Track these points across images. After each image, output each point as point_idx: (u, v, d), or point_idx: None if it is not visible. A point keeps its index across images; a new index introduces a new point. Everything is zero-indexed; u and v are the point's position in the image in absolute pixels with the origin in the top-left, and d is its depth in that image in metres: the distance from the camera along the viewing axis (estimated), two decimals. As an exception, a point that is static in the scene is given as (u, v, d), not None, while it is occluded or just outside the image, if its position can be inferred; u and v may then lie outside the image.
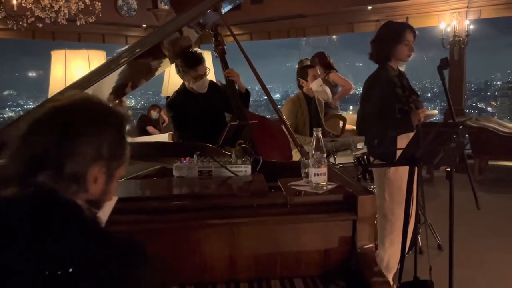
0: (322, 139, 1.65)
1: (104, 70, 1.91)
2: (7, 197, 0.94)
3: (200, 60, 2.91)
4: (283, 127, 2.50)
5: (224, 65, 2.96)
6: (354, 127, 5.35)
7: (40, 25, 5.24)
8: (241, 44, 2.53)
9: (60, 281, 0.86)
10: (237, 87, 2.94)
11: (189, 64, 2.87)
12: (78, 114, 0.98)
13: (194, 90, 2.99)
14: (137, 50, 1.93)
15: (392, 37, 2.61)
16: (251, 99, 3.13)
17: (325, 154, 1.64)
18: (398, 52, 2.59)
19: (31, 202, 0.93)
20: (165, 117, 6.65)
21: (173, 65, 3.04)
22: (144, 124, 6.67)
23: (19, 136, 0.96)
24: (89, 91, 2.09)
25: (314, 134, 1.66)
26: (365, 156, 3.44)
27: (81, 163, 0.95)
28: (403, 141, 2.41)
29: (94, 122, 0.98)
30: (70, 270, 0.86)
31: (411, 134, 2.51)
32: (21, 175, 0.95)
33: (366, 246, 1.50)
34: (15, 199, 0.94)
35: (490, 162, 6.19)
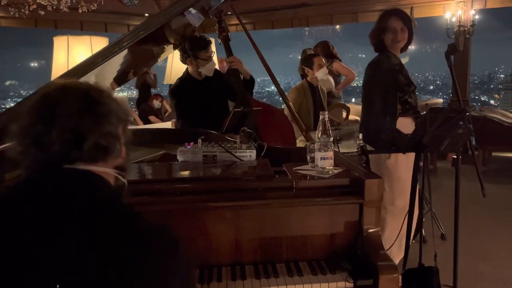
0: (328, 123, 1.63)
1: (108, 53, 1.89)
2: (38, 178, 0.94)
3: (208, 41, 2.93)
4: (289, 111, 2.48)
5: (228, 51, 2.94)
6: (358, 117, 5.33)
7: (42, 12, 5.20)
8: (249, 33, 2.50)
9: (87, 263, 0.84)
10: (241, 75, 2.92)
11: (199, 45, 2.88)
12: (88, 87, 1.00)
13: (198, 76, 2.97)
14: (141, 33, 1.90)
15: (378, 25, 2.59)
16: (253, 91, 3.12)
17: (331, 138, 1.62)
18: (385, 41, 2.57)
19: (67, 184, 0.93)
20: (167, 107, 6.62)
21: (176, 53, 3.02)
22: (146, 113, 6.64)
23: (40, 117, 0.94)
24: (92, 76, 2.08)
25: (321, 117, 1.64)
26: (367, 146, 3.42)
27: (113, 124, 0.98)
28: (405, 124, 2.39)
29: (105, 91, 1.01)
30: (96, 251, 0.84)
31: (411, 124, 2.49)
32: (59, 150, 0.93)
33: (372, 230, 1.49)
34: (51, 178, 0.93)
35: (494, 154, 6.17)
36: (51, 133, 0.92)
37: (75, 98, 0.96)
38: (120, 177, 1.04)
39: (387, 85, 2.50)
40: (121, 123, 1.01)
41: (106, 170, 0.99)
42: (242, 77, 2.94)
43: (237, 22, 7.17)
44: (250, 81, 2.97)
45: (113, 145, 0.98)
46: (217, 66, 4.06)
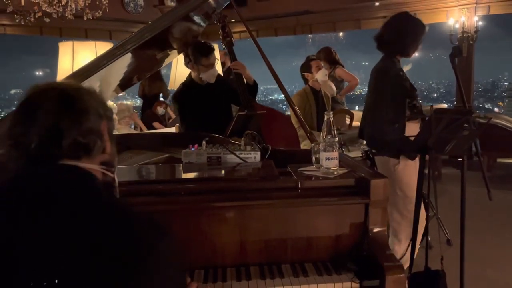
0: (333, 123, 1.63)
1: (113, 55, 1.89)
2: (27, 173, 0.94)
3: (211, 48, 2.92)
4: (295, 116, 2.47)
5: (232, 56, 2.95)
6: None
7: (48, 20, 5.25)
8: (251, 40, 2.51)
9: (80, 259, 0.84)
10: (245, 80, 2.92)
11: (202, 52, 2.88)
12: (65, 86, 1.02)
13: (201, 82, 2.98)
14: (146, 35, 1.91)
15: (416, 33, 2.56)
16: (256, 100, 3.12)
17: (336, 139, 1.62)
18: (412, 50, 2.56)
19: (52, 178, 0.93)
20: (171, 113, 6.64)
21: (180, 58, 3.03)
22: (151, 120, 6.65)
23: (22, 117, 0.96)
24: (97, 79, 2.09)
25: (326, 117, 1.64)
26: (373, 150, 3.41)
27: (92, 121, 0.98)
28: (413, 129, 2.38)
29: (82, 88, 1.03)
30: (90, 247, 0.85)
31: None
32: (38, 150, 0.94)
33: (378, 230, 1.48)
34: (36, 174, 0.94)
35: (499, 160, 6.13)
36: (29, 133, 0.93)
37: (53, 97, 0.97)
38: (107, 172, 1.04)
39: (396, 92, 2.48)
40: (103, 119, 1.02)
41: (91, 166, 0.99)
42: (245, 82, 2.94)
43: (241, 29, 7.26)
44: (253, 86, 2.97)
45: (94, 142, 0.98)
46: (220, 70, 4.09)
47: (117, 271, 0.84)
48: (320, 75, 4.09)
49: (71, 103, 0.97)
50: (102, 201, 0.96)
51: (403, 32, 2.54)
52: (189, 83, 3.03)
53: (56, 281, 0.82)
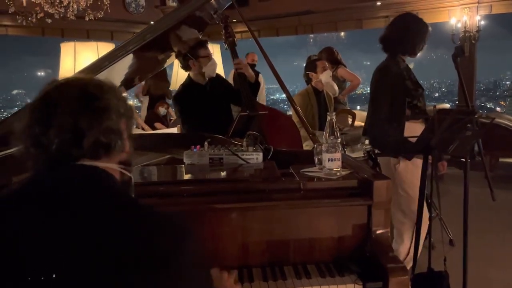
0: (335, 124, 1.62)
1: (115, 56, 1.89)
2: (46, 175, 0.93)
3: (205, 40, 3.00)
4: (297, 116, 2.47)
5: (235, 56, 2.94)
6: (363, 123, 5.30)
7: (49, 20, 5.25)
8: (253, 40, 2.52)
9: (100, 258, 0.83)
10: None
11: (198, 43, 2.90)
12: (86, 83, 0.98)
13: (201, 81, 2.98)
14: (148, 36, 1.90)
15: (419, 32, 2.58)
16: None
17: (339, 140, 1.61)
18: (419, 49, 2.58)
19: (72, 179, 0.92)
20: (173, 114, 6.64)
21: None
22: (152, 120, 6.65)
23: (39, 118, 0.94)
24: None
25: (328, 118, 1.63)
26: (375, 150, 3.40)
27: (113, 120, 0.96)
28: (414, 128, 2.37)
29: (104, 85, 1.00)
30: (111, 247, 0.84)
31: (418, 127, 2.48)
32: (58, 151, 0.92)
33: (381, 232, 1.47)
34: (55, 175, 0.93)
35: (501, 159, 6.10)
36: (49, 133, 0.91)
37: (73, 96, 0.94)
38: (125, 171, 1.03)
39: (395, 91, 2.48)
40: (123, 118, 1.00)
41: (110, 166, 0.98)
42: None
43: (242, 29, 7.25)
44: (255, 85, 2.97)
45: (115, 141, 0.96)
46: (221, 72, 4.09)
47: (139, 270, 0.83)
48: (325, 76, 4.08)
49: (91, 101, 0.94)
50: (122, 201, 0.94)
51: (409, 31, 2.56)
52: (188, 84, 3.03)
53: (73, 279, 0.81)
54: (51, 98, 0.95)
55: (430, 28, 2.63)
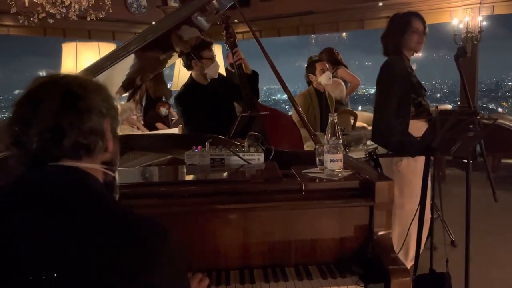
0: (337, 125, 1.62)
1: (116, 56, 1.88)
2: (27, 177, 0.93)
3: (210, 41, 2.98)
4: (298, 116, 2.46)
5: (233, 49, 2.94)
6: (365, 124, 5.30)
7: (51, 20, 5.26)
8: (254, 40, 2.52)
9: (80, 259, 0.83)
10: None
11: (202, 44, 2.91)
12: (69, 81, 0.97)
13: (203, 81, 2.97)
14: (149, 36, 1.90)
15: (399, 26, 2.57)
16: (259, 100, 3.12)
17: (341, 140, 1.60)
18: (408, 41, 2.55)
19: (52, 180, 0.92)
20: (174, 114, 6.64)
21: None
22: (153, 120, 6.65)
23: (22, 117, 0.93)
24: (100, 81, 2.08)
25: (330, 119, 1.63)
26: (377, 151, 3.39)
27: (96, 120, 0.95)
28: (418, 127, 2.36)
29: (89, 84, 0.99)
30: (90, 248, 0.84)
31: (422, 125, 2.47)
32: (38, 150, 0.92)
33: (383, 233, 1.47)
34: (36, 175, 0.93)
35: (503, 160, 6.09)
36: (29, 132, 0.91)
37: (56, 94, 0.93)
38: (108, 172, 1.02)
39: (401, 87, 2.47)
40: (106, 118, 0.99)
41: (92, 166, 0.97)
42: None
43: (244, 30, 7.25)
44: (254, 76, 2.96)
45: (95, 142, 0.95)
46: (223, 72, 4.08)
47: (118, 272, 0.83)
48: (324, 79, 4.06)
49: (73, 101, 0.93)
50: (103, 203, 0.94)
51: (390, 30, 2.61)
52: (190, 84, 3.03)
53: (55, 279, 0.81)
54: (33, 96, 0.94)
55: (414, 18, 2.57)
